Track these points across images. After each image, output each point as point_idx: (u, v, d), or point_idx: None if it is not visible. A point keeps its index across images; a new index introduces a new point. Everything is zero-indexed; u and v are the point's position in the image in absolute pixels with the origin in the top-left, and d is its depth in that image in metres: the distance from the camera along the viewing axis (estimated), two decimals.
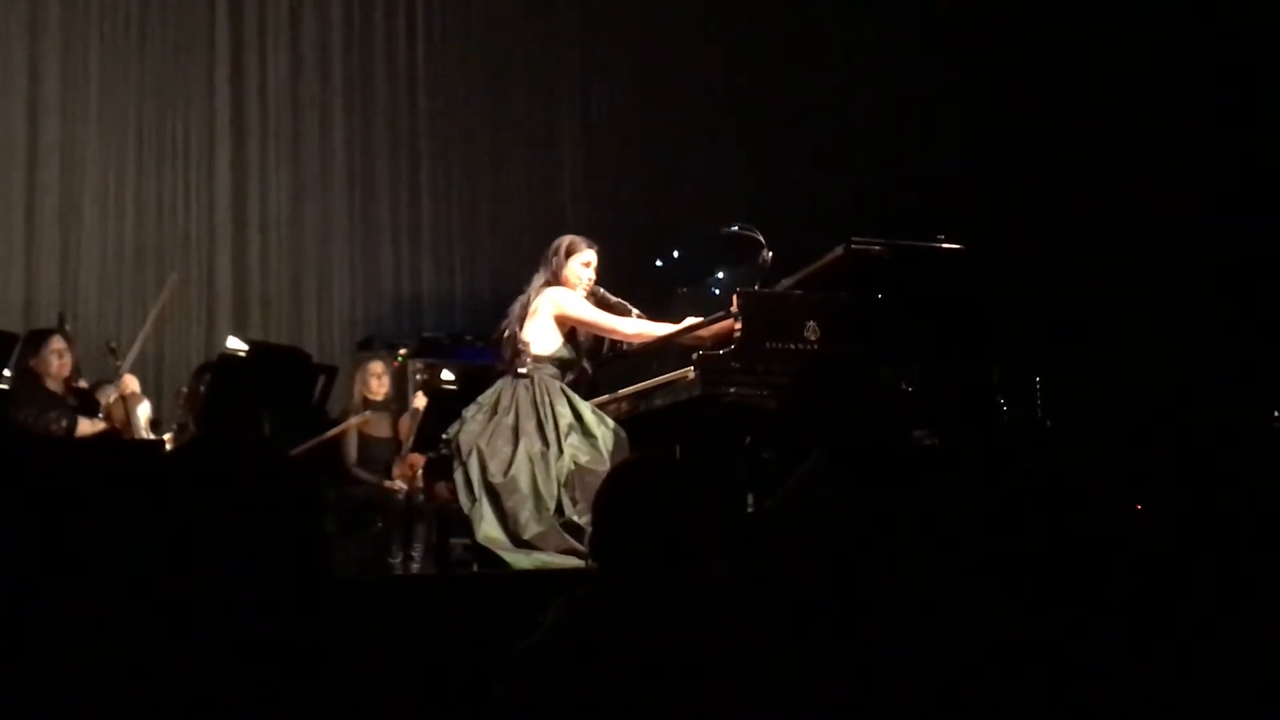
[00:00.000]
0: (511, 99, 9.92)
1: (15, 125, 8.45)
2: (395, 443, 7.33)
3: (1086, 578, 3.43)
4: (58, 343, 6.24)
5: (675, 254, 8.08)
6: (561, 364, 5.38)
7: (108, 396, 6.34)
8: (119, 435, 6.18)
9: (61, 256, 8.51)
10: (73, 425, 6.03)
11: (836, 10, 9.75)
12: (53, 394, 6.15)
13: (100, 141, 8.70)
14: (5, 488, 3.35)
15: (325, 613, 1.82)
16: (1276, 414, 6.72)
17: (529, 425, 5.17)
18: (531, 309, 5.39)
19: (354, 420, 7.19)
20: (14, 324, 6.96)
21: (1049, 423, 5.93)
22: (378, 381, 7.44)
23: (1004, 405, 5.68)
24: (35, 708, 1.67)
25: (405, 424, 7.26)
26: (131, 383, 6.43)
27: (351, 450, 7.22)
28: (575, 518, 4.96)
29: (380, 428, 7.38)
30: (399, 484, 7.11)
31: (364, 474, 7.21)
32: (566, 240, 5.51)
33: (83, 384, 6.48)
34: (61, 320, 6.64)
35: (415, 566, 6.95)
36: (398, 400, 7.63)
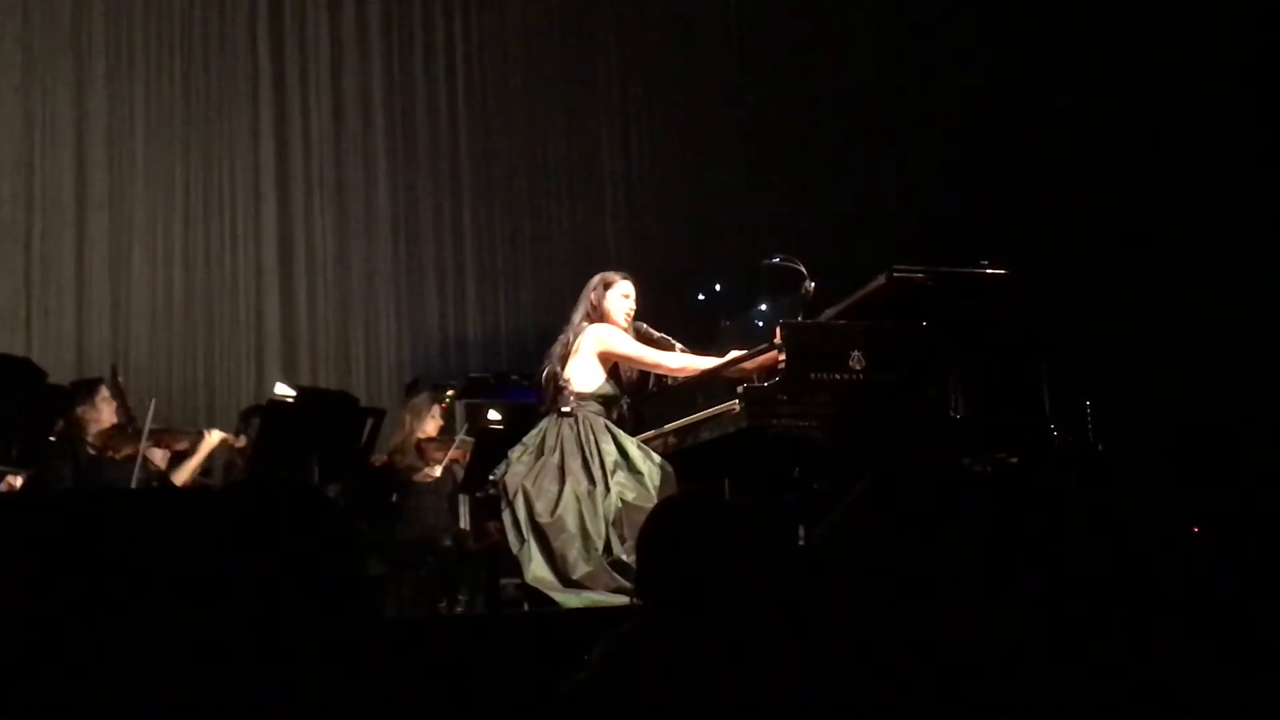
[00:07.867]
0: (551, 139, 9.98)
1: (63, 179, 8.55)
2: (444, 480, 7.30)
3: (1140, 605, 3.36)
4: (105, 391, 6.32)
5: (717, 288, 8.07)
6: (605, 401, 5.36)
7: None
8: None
9: (112, 307, 8.59)
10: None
11: (874, 43, 9.75)
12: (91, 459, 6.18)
13: (147, 193, 8.79)
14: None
15: (370, 652, 1.81)
16: None
17: (574, 464, 5.15)
18: (574, 347, 5.38)
19: (454, 452, 7.14)
20: (67, 376, 7.00)
21: (1100, 446, 5.85)
22: (433, 423, 7.44)
23: (1054, 430, 5.61)
24: None
25: (455, 453, 7.21)
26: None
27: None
28: (624, 556, 4.93)
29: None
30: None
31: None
32: (601, 276, 5.55)
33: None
34: (114, 372, 6.71)
35: (463, 607, 6.93)
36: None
